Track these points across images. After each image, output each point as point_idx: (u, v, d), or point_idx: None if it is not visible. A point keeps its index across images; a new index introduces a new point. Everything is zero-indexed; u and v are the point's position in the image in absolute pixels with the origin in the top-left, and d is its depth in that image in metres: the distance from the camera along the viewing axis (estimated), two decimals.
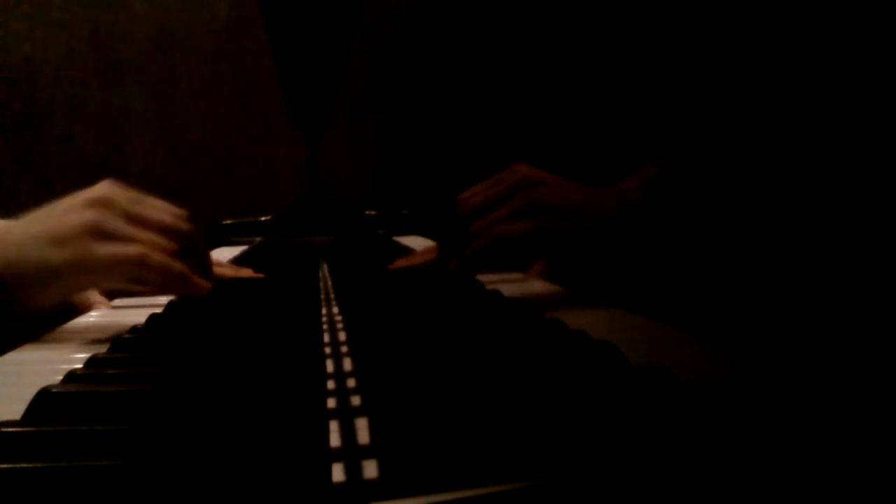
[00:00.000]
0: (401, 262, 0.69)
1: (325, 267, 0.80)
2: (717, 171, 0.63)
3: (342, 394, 0.31)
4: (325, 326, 0.46)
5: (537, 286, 0.64)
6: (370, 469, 0.22)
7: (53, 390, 0.28)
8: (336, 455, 0.23)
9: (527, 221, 0.51)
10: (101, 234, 0.43)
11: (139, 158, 1.70)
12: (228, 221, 1.20)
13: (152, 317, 0.49)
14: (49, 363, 0.38)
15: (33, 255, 0.42)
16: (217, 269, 0.58)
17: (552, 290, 0.61)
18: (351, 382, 0.32)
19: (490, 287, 0.57)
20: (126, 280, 0.45)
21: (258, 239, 1.15)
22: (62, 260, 0.42)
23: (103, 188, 0.46)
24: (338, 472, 0.22)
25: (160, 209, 0.48)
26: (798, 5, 0.60)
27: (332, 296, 0.59)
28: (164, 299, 0.57)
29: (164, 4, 1.70)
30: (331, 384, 0.32)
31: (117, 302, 0.60)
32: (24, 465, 0.21)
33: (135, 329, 0.43)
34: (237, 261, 0.87)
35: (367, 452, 0.24)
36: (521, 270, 0.69)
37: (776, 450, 0.22)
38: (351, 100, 1.75)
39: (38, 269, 0.42)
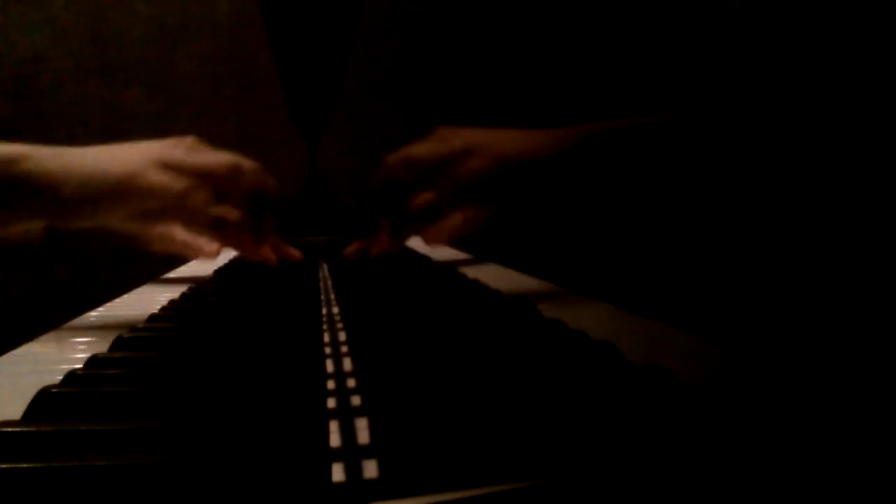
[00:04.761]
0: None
1: (325, 267, 0.80)
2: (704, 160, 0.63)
3: (342, 394, 0.31)
4: (325, 326, 0.46)
5: (532, 283, 0.64)
6: (370, 469, 0.22)
7: (53, 390, 0.28)
8: (336, 455, 0.23)
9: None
10: (160, 164, 0.48)
11: None
12: None
13: (152, 317, 0.49)
14: (49, 363, 0.38)
15: (93, 167, 0.47)
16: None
17: (546, 286, 0.61)
18: (351, 382, 0.32)
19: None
20: (167, 216, 0.49)
21: None
22: (117, 174, 0.47)
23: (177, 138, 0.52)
24: (338, 472, 0.22)
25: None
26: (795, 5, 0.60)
27: (332, 296, 0.59)
28: (164, 299, 0.57)
29: (164, 4, 1.70)
30: (331, 384, 0.32)
31: (117, 301, 0.60)
32: (24, 465, 0.21)
33: (135, 328, 0.43)
34: (236, 261, 0.87)
35: (367, 452, 0.24)
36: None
37: (774, 449, 0.22)
38: (351, 100, 1.75)
39: (95, 178, 0.47)
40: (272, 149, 1.74)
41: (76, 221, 0.48)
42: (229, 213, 0.50)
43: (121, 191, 0.47)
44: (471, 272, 0.69)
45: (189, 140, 0.51)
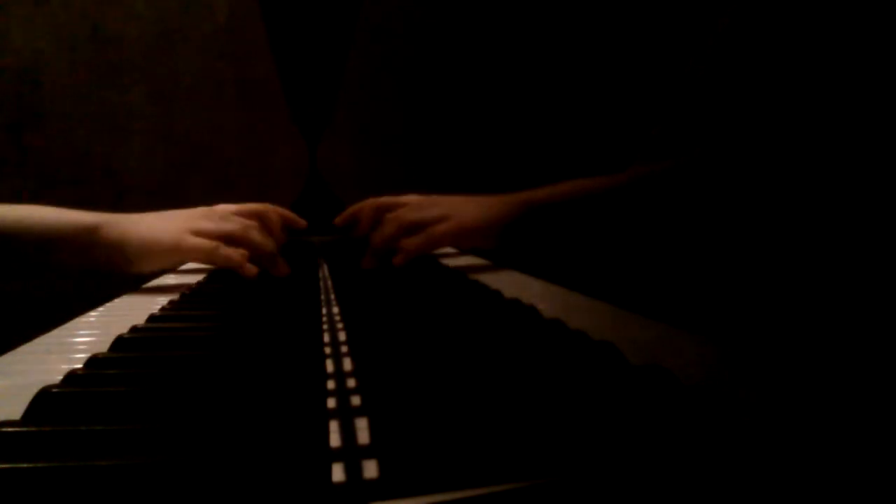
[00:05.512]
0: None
1: (325, 267, 0.80)
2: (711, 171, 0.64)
3: (342, 394, 0.31)
4: (325, 326, 0.46)
5: (536, 285, 0.64)
6: (370, 469, 0.22)
7: (53, 390, 0.28)
8: (336, 455, 0.23)
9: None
10: (193, 231, 0.68)
11: (139, 158, 1.70)
12: None
13: (152, 317, 0.49)
14: (49, 363, 0.38)
15: (149, 235, 0.67)
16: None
17: (546, 286, 0.61)
18: (351, 382, 0.32)
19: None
20: (204, 261, 0.70)
21: None
22: (167, 242, 0.67)
23: (204, 209, 0.74)
24: (338, 472, 0.22)
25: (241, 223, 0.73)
26: (795, 9, 0.60)
27: (332, 296, 0.59)
28: (163, 299, 0.57)
29: (164, 4, 1.69)
30: (331, 384, 0.32)
31: (118, 301, 0.60)
32: (24, 465, 0.21)
33: (135, 328, 0.43)
34: None
35: (367, 452, 0.24)
36: None
37: (775, 450, 0.22)
38: (351, 100, 1.75)
39: (150, 244, 0.67)
40: (272, 149, 1.74)
41: (133, 270, 0.68)
42: (245, 258, 0.70)
43: (170, 251, 0.68)
44: (478, 275, 0.69)
45: (204, 210, 0.74)
